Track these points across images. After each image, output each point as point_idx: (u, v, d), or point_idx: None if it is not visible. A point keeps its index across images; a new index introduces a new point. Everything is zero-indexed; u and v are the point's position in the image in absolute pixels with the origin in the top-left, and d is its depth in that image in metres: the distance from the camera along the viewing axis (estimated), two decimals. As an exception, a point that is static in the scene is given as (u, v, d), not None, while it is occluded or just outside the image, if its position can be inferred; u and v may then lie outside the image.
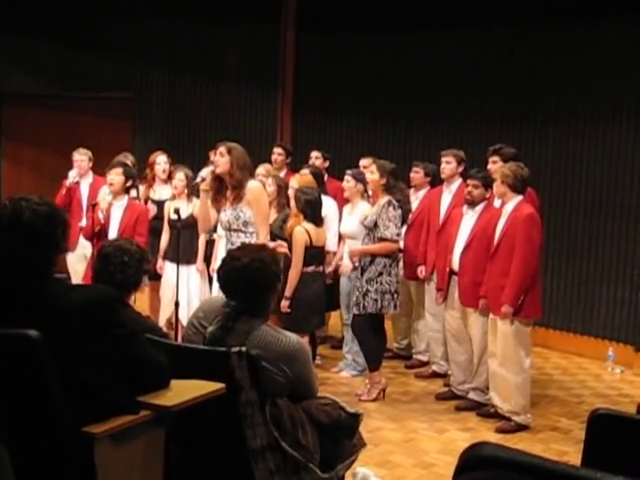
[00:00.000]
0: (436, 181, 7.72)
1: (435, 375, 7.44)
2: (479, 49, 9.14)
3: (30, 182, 10.75)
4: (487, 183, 6.46)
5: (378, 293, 6.56)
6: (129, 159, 7.93)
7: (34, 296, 3.01)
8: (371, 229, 6.60)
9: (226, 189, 6.00)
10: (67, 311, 2.97)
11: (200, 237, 7.34)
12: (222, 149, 5.94)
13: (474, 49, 9.18)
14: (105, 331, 3.05)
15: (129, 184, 7.18)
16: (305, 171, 7.61)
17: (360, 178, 7.27)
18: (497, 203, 6.55)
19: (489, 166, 6.92)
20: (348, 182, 7.27)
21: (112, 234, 6.85)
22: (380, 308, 6.61)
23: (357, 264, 6.78)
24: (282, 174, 8.17)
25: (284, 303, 6.54)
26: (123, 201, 7.10)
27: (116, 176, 7.06)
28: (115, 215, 7.05)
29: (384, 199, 6.59)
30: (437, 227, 7.31)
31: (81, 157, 8.36)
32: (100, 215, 6.96)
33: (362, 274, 6.63)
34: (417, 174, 7.71)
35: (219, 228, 6.47)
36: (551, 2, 8.59)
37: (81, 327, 2.97)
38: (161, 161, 7.85)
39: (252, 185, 5.96)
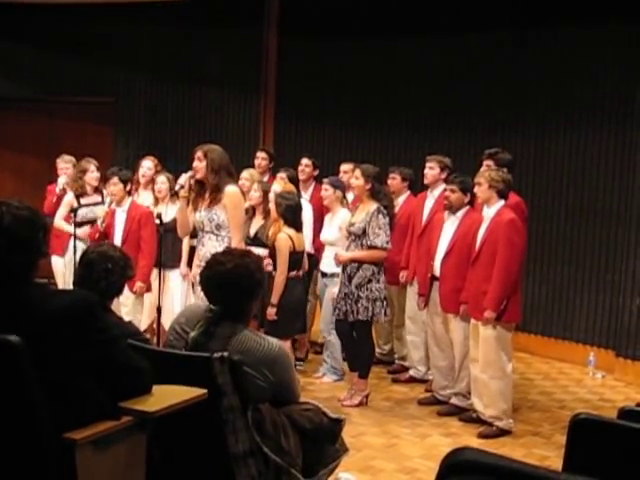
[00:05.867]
0: (414, 185, 7.73)
1: (412, 380, 7.45)
2: (461, 56, 9.18)
3: (11, 186, 10.69)
4: (465, 188, 6.46)
5: (369, 301, 6.54)
6: (92, 163, 7.85)
7: (15, 301, 2.99)
8: (359, 236, 6.57)
9: (204, 192, 6.00)
10: (48, 316, 2.95)
11: (184, 241, 7.33)
12: (199, 154, 5.94)
13: (457, 56, 9.22)
14: (86, 336, 3.03)
15: (129, 188, 7.30)
16: (282, 174, 7.60)
17: (337, 185, 7.25)
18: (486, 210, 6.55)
19: (482, 169, 6.86)
20: (326, 190, 7.25)
21: (117, 238, 7.01)
22: (372, 315, 6.59)
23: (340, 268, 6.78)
24: (265, 179, 8.15)
25: (271, 310, 6.51)
26: (125, 206, 7.19)
27: (115, 187, 7.17)
28: (119, 219, 7.15)
29: (373, 206, 6.55)
30: (419, 232, 7.32)
31: (66, 165, 8.30)
32: (99, 222, 7.15)
33: (350, 281, 6.61)
34: (394, 180, 7.68)
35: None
36: (531, 10, 8.65)
37: (62, 332, 2.96)
38: (144, 165, 7.83)
39: (230, 190, 5.92)
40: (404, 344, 7.75)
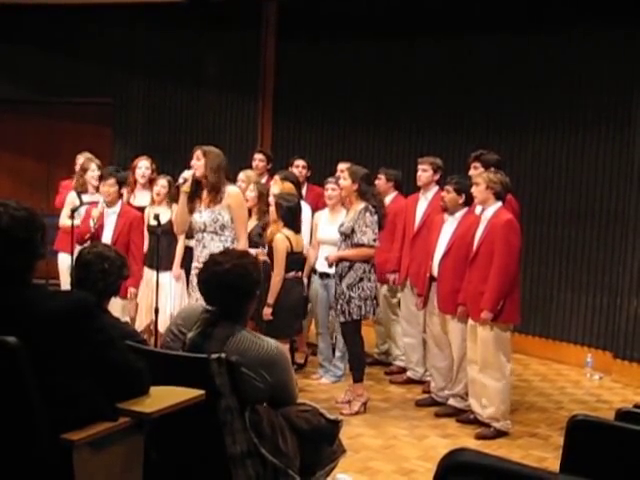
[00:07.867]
0: (401, 186, 7.75)
1: (410, 381, 7.45)
2: (460, 58, 9.19)
3: (9, 187, 10.67)
4: (461, 189, 6.46)
5: (361, 299, 6.54)
6: (93, 162, 7.82)
7: (13, 302, 2.99)
8: (348, 235, 6.57)
9: (202, 192, 6.04)
10: (46, 317, 2.95)
11: (178, 243, 7.31)
12: (198, 153, 6.02)
13: (454, 57, 9.23)
14: (84, 337, 3.03)
15: (122, 190, 7.25)
16: (277, 176, 7.58)
17: None
18: (479, 209, 6.56)
19: (470, 172, 6.92)
20: (334, 190, 7.23)
21: (106, 239, 6.87)
22: (364, 314, 6.60)
23: (334, 269, 6.78)
24: (263, 180, 8.15)
25: (267, 310, 6.52)
26: (116, 207, 7.12)
27: (110, 187, 7.10)
28: (109, 221, 7.06)
29: (361, 205, 6.57)
30: (412, 233, 7.33)
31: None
32: (91, 223, 7.00)
33: (341, 280, 6.62)
34: (379, 181, 7.67)
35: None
36: (532, 12, 8.65)
37: (60, 333, 2.96)
38: (142, 166, 7.81)
39: (233, 190, 6.04)
40: (398, 345, 7.76)
